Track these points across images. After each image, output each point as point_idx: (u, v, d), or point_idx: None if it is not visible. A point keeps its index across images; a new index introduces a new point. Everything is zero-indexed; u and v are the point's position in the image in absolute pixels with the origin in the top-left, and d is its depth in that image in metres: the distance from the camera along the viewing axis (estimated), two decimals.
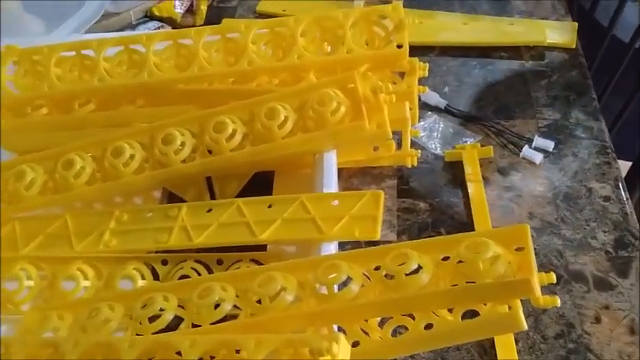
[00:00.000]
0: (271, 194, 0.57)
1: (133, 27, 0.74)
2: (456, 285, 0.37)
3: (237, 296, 0.40)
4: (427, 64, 0.56)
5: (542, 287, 0.36)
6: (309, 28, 0.55)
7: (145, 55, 0.54)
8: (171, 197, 0.56)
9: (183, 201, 0.55)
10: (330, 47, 0.56)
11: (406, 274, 0.37)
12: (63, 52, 0.55)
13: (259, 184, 0.56)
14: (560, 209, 0.57)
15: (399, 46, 0.54)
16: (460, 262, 0.37)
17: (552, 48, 0.72)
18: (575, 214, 0.56)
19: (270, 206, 0.48)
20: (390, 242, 0.55)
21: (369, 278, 0.39)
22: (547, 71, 0.69)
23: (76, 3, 0.71)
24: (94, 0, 0.63)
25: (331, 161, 0.51)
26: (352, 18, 0.54)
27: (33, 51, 0.55)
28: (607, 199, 0.57)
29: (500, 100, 0.67)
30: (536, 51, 0.72)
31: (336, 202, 0.47)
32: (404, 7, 0.74)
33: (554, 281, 0.36)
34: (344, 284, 0.38)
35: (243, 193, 0.55)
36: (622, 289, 0.51)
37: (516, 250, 0.37)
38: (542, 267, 0.52)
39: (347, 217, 0.45)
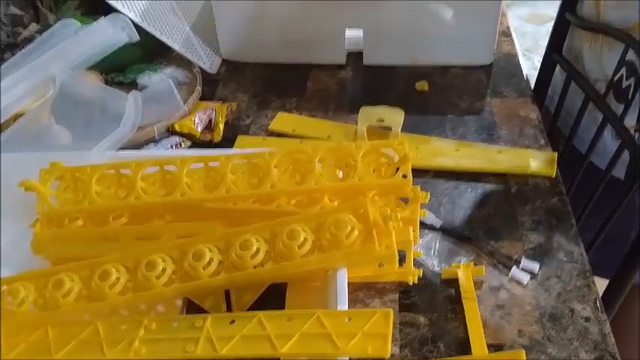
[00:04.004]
0: (284, 303, 0.62)
1: (156, 141, 0.80)
2: None
3: None
4: (428, 193, 0.63)
5: None
6: (325, 156, 0.62)
7: (178, 175, 0.60)
8: (190, 304, 0.61)
9: (201, 308, 0.59)
10: (341, 173, 0.63)
11: None
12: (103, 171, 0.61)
13: (272, 293, 0.60)
14: (546, 328, 0.62)
15: (404, 176, 0.61)
16: None
17: (535, 175, 0.79)
18: (560, 333, 0.62)
19: (289, 320, 0.53)
20: (392, 356, 0.60)
21: None
22: (531, 197, 0.76)
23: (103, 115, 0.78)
24: (127, 121, 0.69)
25: (343, 279, 0.56)
26: (363, 149, 0.62)
27: (76, 169, 0.61)
28: (587, 319, 0.63)
29: (489, 223, 0.74)
30: (521, 177, 0.79)
31: (349, 319, 0.52)
32: (402, 131, 0.83)
33: None
34: None
35: (257, 300, 0.59)
36: None
37: None
38: None
39: (360, 334, 0.50)
